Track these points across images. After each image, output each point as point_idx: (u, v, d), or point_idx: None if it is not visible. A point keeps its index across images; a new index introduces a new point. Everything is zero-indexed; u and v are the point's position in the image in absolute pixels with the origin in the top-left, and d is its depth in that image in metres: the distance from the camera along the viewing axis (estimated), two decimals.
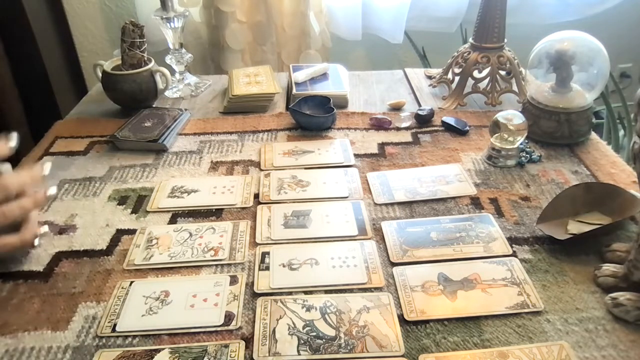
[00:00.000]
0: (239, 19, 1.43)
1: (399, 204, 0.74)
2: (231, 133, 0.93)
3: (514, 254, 0.64)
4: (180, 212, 0.73)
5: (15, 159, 0.86)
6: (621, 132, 1.45)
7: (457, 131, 0.91)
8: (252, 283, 0.60)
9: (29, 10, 1.31)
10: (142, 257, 0.65)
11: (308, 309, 0.57)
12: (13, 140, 0.61)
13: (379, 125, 0.94)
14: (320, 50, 1.50)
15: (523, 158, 0.82)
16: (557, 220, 0.68)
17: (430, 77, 1.12)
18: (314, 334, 0.54)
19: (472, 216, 0.71)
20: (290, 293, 0.59)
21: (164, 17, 1.01)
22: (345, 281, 0.60)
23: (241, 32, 1.44)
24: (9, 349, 0.53)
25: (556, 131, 0.86)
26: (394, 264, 0.63)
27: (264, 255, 0.64)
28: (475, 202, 0.74)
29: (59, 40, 1.50)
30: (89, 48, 1.58)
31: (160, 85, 1.00)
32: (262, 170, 0.82)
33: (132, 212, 0.73)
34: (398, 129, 0.94)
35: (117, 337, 0.54)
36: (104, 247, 0.67)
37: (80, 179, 0.81)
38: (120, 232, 0.69)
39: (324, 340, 0.53)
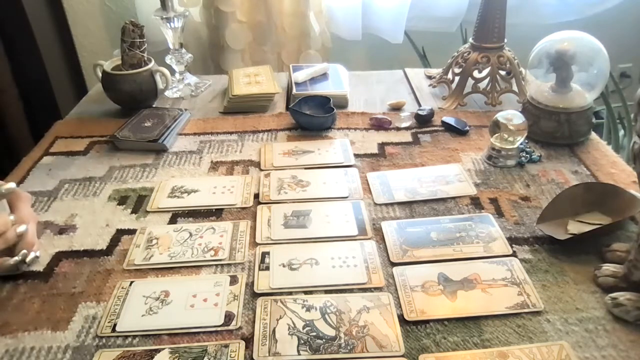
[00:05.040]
0: (239, 19, 1.43)
1: (399, 204, 0.74)
2: (231, 133, 0.93)
3: (514, 254, 0.64)
4: (180, 212, 0.73)
5: (15, 159, 0.86)
6: (621, 132, 1.45)
7: (457, 131, 0.91)
8: (252, 283, 0.60)
9: (29, 10, 1.30)
10: (142, 257, 0.65)
11: (308, 309, 0.57)
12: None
13: (379, 125, 0.94)
14: (320, 50, 1.50)
15: (523, 158, 0.82)
16: (557, 220, 0.68)
17: (430, 77, 1.12)
18: (314, 334, 0.54)
19: (472, 216, 0.71)
20: (290, 293, 0.59)
21: (164, 17, 1.01)
22: (345, 281, 0.60)
23: (241, 32, 1.44)
24: (9, 349, 0.53)
25: (556, 131, 0.86)
26: (394, 264, 0.63)
27: (264, 255, 0.64)
28: (475, 202, 0.74)
29: (59, 40, 1.50)
30: (89, 48, 1.57)
31: (160, 85, 1.00)
32: (262, 170, 0.82)
33: (132, 212, 0.73)
34: (398, 129, 0.94)
35: (117, 337, 0.54)
36: (104, 247, 0.67)
37: (80, 179, 0.81)
38: (120, 232, 0.69)
39: (324, 340, 0.53)
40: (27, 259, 0.62)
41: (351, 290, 0.59)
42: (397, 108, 1.01)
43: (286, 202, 0.75)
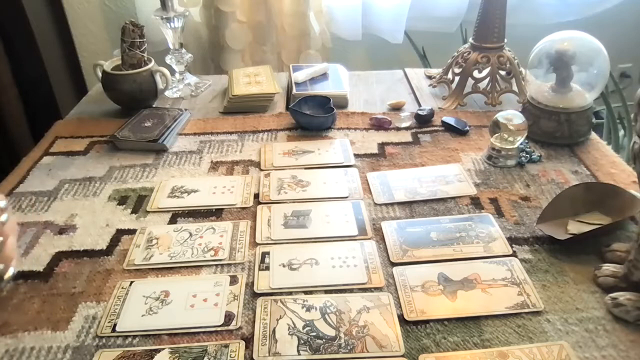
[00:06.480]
0: (239, 19, 1.43)
1: (399, 204, 0.74)
2: (231, 133, 0.93)
3: (514, 254, 0.64)
4: (180, 212, 0.73)
5: (15, 159, 0.86)
6: (621, 132, 1.45)
7: (457, 131, 0.91)
8: (252, 283, 0.60)
9: (29, 11, 1.30)
10: (142, 257, 0.65)
11: (308, 309, 0.57)
12: None
13: (379, 125, 0.94)
14: (320, 50, 1.50)
15: (523, 158, 0.82)
16: (557, 220, 0.68)
17: (430, 77, 1.12)
18: (314, 334, 0.54)
19: (472, 216, 0.71)
20: (290, 293, 0.59)
21: (164, 17, 1.01)
22: (345, 281, 0.60)
23: (241, 32, 1.44)
24: (9, 349, 0.53)
25: (556, 131, 0.86)
26: (394, 264, 0.63)
27: (264, 255, 0.64)
28: (475, 202, 0.74)
29: (59, 40, 1.50)
30: (89, 48, 1.57)
31: (160, 85, 1.00)
32: (262, 170, 0.82)
33: (132, 212, 0.73)
34: (398, 129, 0.94)
35: (117, 337, 0.54)
36: (104, 247, 0.67)
37: (80, 179, 0.81)
38: (120, 232, 0.69)
39: (324, 340, 0.53)
40: (5, 276, 0.54)
41: (351, 290, 0.59)
42: (397, 108, 1.01)
43: (286, 202, 0.74)
